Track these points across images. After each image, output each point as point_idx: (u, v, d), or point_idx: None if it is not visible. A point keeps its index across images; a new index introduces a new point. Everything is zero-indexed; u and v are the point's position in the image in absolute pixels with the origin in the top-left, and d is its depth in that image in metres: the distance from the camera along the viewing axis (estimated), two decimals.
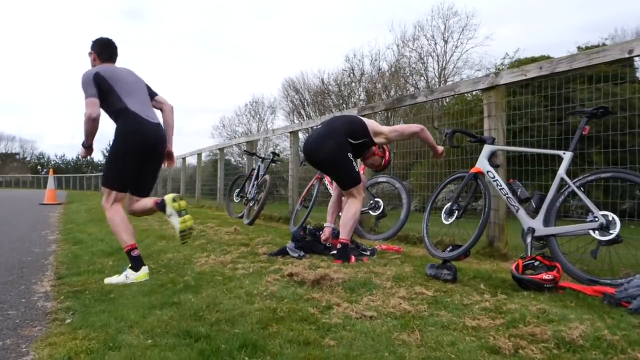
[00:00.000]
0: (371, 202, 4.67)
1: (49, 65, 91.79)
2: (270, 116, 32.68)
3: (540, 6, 38.57)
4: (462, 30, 25.56)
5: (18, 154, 56.27)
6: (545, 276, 2.35)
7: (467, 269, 2.91)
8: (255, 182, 6.70)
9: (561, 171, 2.93)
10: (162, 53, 79.79)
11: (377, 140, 3.44)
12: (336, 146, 3.28)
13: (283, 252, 3.45)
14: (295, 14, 55.93)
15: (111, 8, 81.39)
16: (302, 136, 7.29)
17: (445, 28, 25.71)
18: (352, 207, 3.33)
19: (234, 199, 7.42)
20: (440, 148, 3.64)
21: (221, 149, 10.03)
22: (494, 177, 3.28)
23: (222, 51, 71.09)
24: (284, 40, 58.00)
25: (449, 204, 3.49)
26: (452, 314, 2.00)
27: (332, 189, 5.12)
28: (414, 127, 3.55)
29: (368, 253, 3.41)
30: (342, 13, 49.39)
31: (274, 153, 6.83)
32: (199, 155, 11.60)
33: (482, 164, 3.38)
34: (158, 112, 3.38)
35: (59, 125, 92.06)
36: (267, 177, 6.23)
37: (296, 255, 3.36)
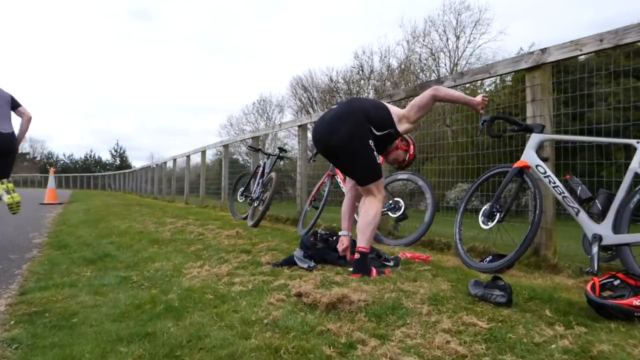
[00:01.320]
0: (390, 202, 4.10)
1: (59, 65, 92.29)
2: (278, 115, 32.32)
3: (548, 2, 37.62)
4: (475, 24, 24.90)
5: (28, 153, 56.50)
6: (636, 301, 1.78)
7: (517, 286, 2.34)
8: (261, 181, 6.16)
9: (635, 165, 2.35)
10: (170, 53, 79.83)
11: (401, 128, 2.83)
12: (356, 130, 2.68)
13: (290, 262, 2.91)
14: (302, 14, 55.49)
15: (119, 9, 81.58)
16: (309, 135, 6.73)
17: (457, 23, 25.08)
18: (371, 209, 2.75)
19: (238, 198, 6.88)
20: (477, 98, 2.80)
21: (226, 146, 9.51)
22: (545, 172, 2.71)
23: (229, 51, 70.98)
24: (291, 39, 57.60)
25: (487, 205, 2.92)
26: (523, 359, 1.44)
27: (346, 188, 4.56)
28: (427, 92, 2.79)
29: (391, 264, 2.85)
30: (348, 12, 48.82)
31: (280, 149, 6.28)
32: (203, 153, 11.09)
33: (529, 156, 2.81)
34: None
35: (69, 125, 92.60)
36: (273, 174, 5.69)
37: (305, 266, 2.81)
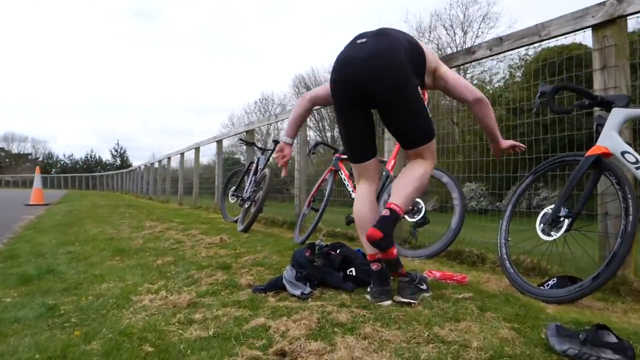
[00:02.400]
0: None
1: (62, 66, 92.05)
2: (280, 113, 31.69)
3: None
4: (483, 19, 24.11)
5: (30, 154, 56.12)
6: None
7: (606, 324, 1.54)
8: (254, 178, 5.39)
9: None
10: (172, 53, 79.45)
11: (427, 81, 2.12)
12: (407, 71, 1.91)
13: (277, 286, 2.12)
14: (305, 13, 54.88)
15: (121, 9, 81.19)
16: (308, 131, 5.92)
17: (464, 17, 24.29)
18: (420, 168, 2.00)
19: (229, 198, 6.10)
20: (505, 142, 2.35)
21: (219, 142, 8.72)
22: (637, 161, 1.91)
23: (232, 50, 70.57)
24: (294, 38, 57.04)
25: (550, 208, 2.12)
26: None
27: (353, 190, 3.77)
28: (474, 92, 2.14)
29: (425, 287, 2.04)
30: (351, 11, 48.15)
31: (275, 142, 5.50)
32: (197, 149, 10.32)
33: (611, 139, 2.02)
34: None
35: (72, 125, 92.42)
36: (266, 171, 4.91)
37: (298, 292, 2.02)
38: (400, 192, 1.93)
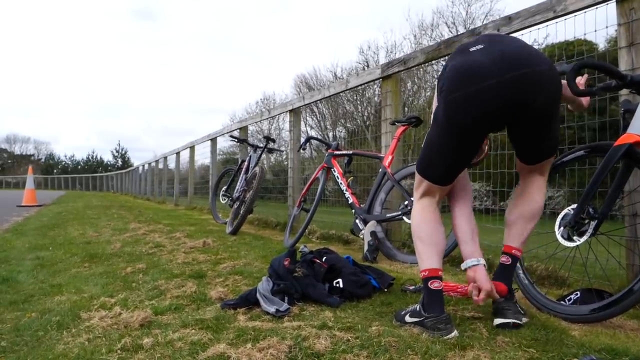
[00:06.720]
0: (406, 202, 2.99)
1: (64, 67, 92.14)
2: (273, 109, 31.41)
3: None
4: (486, 16, 23.71)
5: (32, 155, 56.09)
6: None
7: None
8: (245, 177, 5.07)
9: None
10: (173, 54, 79.36)
11: None
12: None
13: (249, 301, 1.81)
14: (307, 13, 54.66)
15: (121, 9, 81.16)
16: (310, 131, 5.58)
17: (467, 14, 23.91)
18: (541, 193, 1.74)
19: (220, 199, 5.79)
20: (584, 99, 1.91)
21: (213, 140, 8.41)
22: None
23: (233, 51, 70.44)
24: (295, 38, 56.80)
25: (570, 209, 1.80)
26: None
27: (347, 188, 3.44)
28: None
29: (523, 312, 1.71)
30: (354, 11, 47.89)
31: (267, 138, 5.17)
32: (192, 148, 10.01)
33: None
34: None
35: (75, 127, 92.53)
36: (257, 169, 4.59)
37: (272, 309, 1.70)
38: (522, 232, 1.65)
